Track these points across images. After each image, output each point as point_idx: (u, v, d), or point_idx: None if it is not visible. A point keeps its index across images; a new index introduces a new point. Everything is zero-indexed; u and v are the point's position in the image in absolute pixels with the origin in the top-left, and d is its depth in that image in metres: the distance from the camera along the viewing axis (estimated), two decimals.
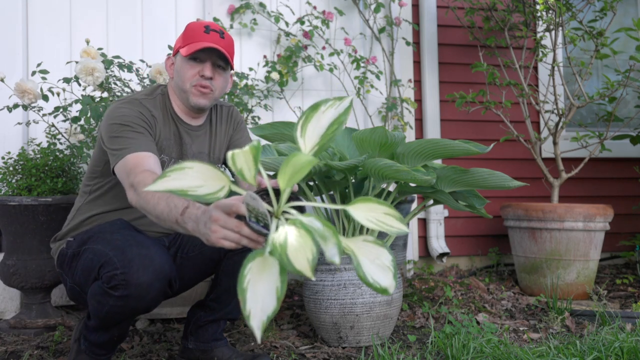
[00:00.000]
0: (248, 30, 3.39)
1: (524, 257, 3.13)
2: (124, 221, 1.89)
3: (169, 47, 2.81)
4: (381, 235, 2.54)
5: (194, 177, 1.07)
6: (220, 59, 1.87)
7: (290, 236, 0.94)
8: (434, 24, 3.72)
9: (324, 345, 2.24)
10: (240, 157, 1.04)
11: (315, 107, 1.11)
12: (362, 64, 3.42)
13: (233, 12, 3.34)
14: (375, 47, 3.57)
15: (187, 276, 1.92)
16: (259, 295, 0.95)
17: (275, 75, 3.24)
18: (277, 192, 1.07)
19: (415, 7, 3.73)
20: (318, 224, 0.95)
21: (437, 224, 3.64)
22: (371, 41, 3.57)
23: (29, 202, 2.35)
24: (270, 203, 1.08)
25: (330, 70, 3.37)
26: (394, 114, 3.48)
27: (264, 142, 2.55)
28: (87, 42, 2.57)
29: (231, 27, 3.34)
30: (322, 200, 2.43)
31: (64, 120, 2.63)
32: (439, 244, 3.60)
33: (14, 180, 2.47)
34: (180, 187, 1.06)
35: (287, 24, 3.40)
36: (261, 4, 3.38)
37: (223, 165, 2.16)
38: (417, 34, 3.71)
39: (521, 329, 2.50)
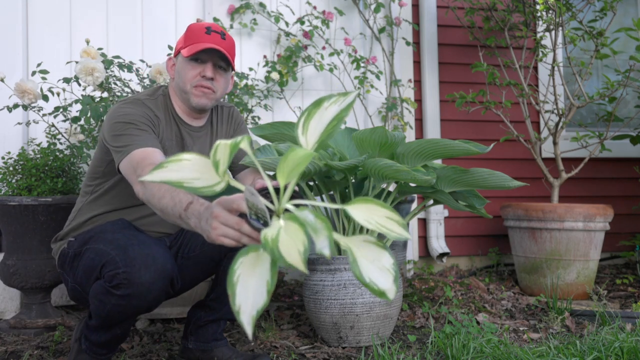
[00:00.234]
0: (248, 30, 3.39)
1: (524, 257, 3.13)
2: (125, 221, 1.89)
3: (169, 47, 2.81)
4: (381, 236, 2.55)
5: (191, 169, 1.07)
6: (222, 60, 1.88)
7: (283, 230, 0.94)
8: (434, 24, 3.72)
9: (324, 345, 2.24)
10: (221, 150, 1.04)
11: (318, 104, 1.09)
12: (362, 64, 3.42)
13: (233, 12, 3.34)
14: (375, 47, 3.57)
15: (188, 276, 1.93)
16: (250, 291, 0.95)
17: (275, 75, 3.24)
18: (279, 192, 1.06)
19: (415, 7, 3.73)
20: (311, 217, 0.94)
21: (437, 224, 3.64)
22: (371, 41, 3.57)
23: (29, 202, 2.35)
24: (272, 203, 1.07)
25: (330, 70, 3.37)
26: (394, 114, 3.48)
27: (263, 142, 2.55)
28: (87, 42, 2.57)
29: (231, 27, 3.34)
30: (322, 200, 2.43)
31: (64, 120, 2.63)
32: (439, 244, 3.60)
33: (14, 180, 2.47)
34: (176, 178, 1.06)
35: (287, 24, 3.40)
36: (261, 4, 3.38)
37: None
38: (417, 34, 3.71)
39: (521, 329, 2.50)
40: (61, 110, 2.54)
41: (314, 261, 2.22)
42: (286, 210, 1.04)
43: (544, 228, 3.02)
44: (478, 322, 2.52)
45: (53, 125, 2.64)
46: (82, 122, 2.53)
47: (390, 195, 2.39)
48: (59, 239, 1.95)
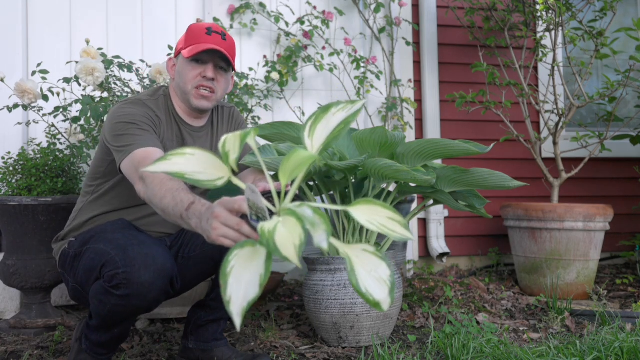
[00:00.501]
0: (248, 30, 3.39)
1: (524, 257, 3.13)
2: (125, 221, 1.89)
3: (169, 47, 2.82)
4: (381, 235, 2.54)
5: (194, 163, 1.07)
6: (222, 61, 1.88)
7: (280, 223, 0.95)
8: (434, 24, 3.72)
9: (324, 345, 2.24)
10: (230, 141, 1.05)
11: (326, 109, 1.11)
12: (362, 64, 3.42)
13: (233, 12, 3.34)
14: (375, 47, 3.57)
15: (189, 276, 1.93)
16: (243, 283, 0.95)
17: (275, 75, 3.24)
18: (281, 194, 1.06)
19: (415, 7, 3.73)
20: (309, 212, 0.94)
21: (437, 224, 3.64)
22: (371, 41, 3.57)
23: (29, 202, 2.35)
24: (275, 205, 1.07)
25: (330, 70, 3.37)
26: (394, 114, 3.48)
27: (263, 142, 2.55)
28: (87, 42, 2.57)
29: (231, 27, 3.34)
30: (322, 200, 2.43)
31: (64, 120, 2.63)
32: (439, 244, 3.60)
33: (14, 180, 2.47)
34: (179, 170, 1.06)
35: (287, 24, 3.40)
36: (261, 4, 3.38)
37: None
38: (417, 34, 3.71)
39: (521, 329, 2.50)
40: (61, 110, 2.54)
41: (314, 261, 2.22)
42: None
43: (544, 228, 3.02)
44: (478, 322, 2.52)
45: (53, 125, 2.64)
46: (82, 122, 2.53)
47: (390, 195, 2.39)
48: (60, 239, 1.96)
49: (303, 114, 3.39)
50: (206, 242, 1.36)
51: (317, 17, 3.40)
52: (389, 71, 3.54)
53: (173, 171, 1.06)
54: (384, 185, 2.34)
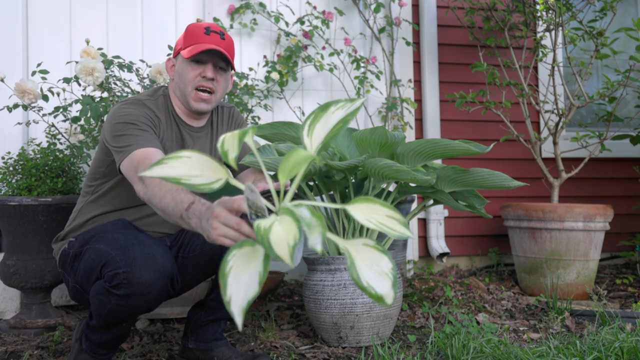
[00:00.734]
0: (248, 30, 3.39)
1: (524, 257, 3.13)
2: (125, 221, 1.89)
3: (169, 47, 2.81)
4: (381, 236, 2.55)
5: (191, 166, 1.07)
6: (222, 60, 1.88)
7: (277, 222, 0.94)
8: (434, 24, 3.72)
9: (324, 345, 2.24)
10: (229, 140, 1.05)
11: (325, 108, 1.10)
12: (362, 64, 3.42)
13: (233, 12, 3.34)
14: (375, 47, 3.57)
15: (189, 276, 1.92)
16: (242, 282, 0.95)
17: (275, 75, 3.24)
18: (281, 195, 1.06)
19: (415, 7, 3.73)
20: (306, 213, 0.94)
21: (437, 224, 3.64)
22: (371, 41, 3.57)
23: (29, 202, 2.35)
24: (274, 205, 1.07)
25: (330, 70, 3.37)
26: (394, 114, 3.48)
27: (263, 142, 2.55)
28: (87, 42, 2.57)
29: (231, 27, 3.34)
30: (322, 200, 2.43)
31: (64, 120, 2.63)
32: (439, 244, 3.60)
33: (14, 180, 2.47)
34: (175, 174, 1.06)
35: (287, 24, 3.40)
36: (261, 4, 3.38)
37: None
38: (417, 34, 3.71)
39: (521, 329, 2.50)
40: (61, 110, 2.54)
41: (314, 261, 2.22)
42: None
43: (544, 228, 3.02)
44: (478, 322, 2.52)
45: (53, 125, 2.64)
46: (82, 122, 2.53)
47: (390, 195, 2.39)
48: (60, 239, 1.95)
49: (303, 114, 3.39)
50: (206, 242, 1.36)
51: (317, 17, 3.40)
52: (389, 71, 3.54)
53: (169, 176, 1.06)
54: (384, 185, 2.34)
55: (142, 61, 2.81)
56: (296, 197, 1.17)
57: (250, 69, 3.26)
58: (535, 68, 3.77)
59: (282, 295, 3.04)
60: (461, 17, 3.65)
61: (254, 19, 3.35)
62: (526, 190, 3.63)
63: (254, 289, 0.95)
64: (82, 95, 2.53)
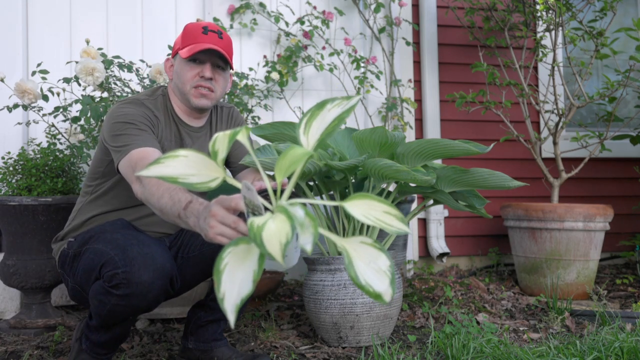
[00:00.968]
0: (248, 30, 3.39)
1: (524, 257, 3.13)
2: (124, 221, 1.89)
3: (169, 47, 2.81)
4: (381, 235, 2.55)
5: (187, 165, 1.07)
6: (220, 60, 1.88)
7: (271, 219, 0.94)
8: (434, 24, 3.72)
9: (324, 345, 2.24)
10: (220, 140, 1.05)
11: (321, 105, 1.10)
12: (362, 64, 3.42)
13: (233, 12, 3.34)
14: (375, 47, 3.57)
15: (188, 277, 1.92)
16: (237, 280, 0.95)
17: (275, 75, 3.24)
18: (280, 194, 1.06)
19: (415, 7, 3.73)
20: (300, 213, 0.94)
21: (437, 224, 3.64)
22: (371, 41, 3.57)
23: (29, 202, 2.35)
24: (271, 204, 1.07)
25: (330, 70, 3.37)
26: (394, 114, 3.48)
27: (263, 142, 2.55)
28: (87, 42, 2.57)
29: (231, 27, 3.34)
30: (322, 200, 2.43)
31: (64, 120, 2.63)
32: (439, 244, 3.60)
33: (14, 180, 2.47)
34: (171, 174, 1.06)
35: (287, 24, 3.40)
36: (261, 4, 3.38)
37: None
38: (417, 34, 3.72)
39: (521, 329, 2.50)
40: (61, 110, 2.54)
41: (314, 261, 2.22)
42: None
43: (544, 228, 3.02)
44: (478, 322, 2.52)
45: (53, 125, 2.64)
46: (82, 122, 2.53)
47: (390, 195, 2.39)
48: (59, 239, 1.95)
49: (303, 114, 3.39)
50: (205, 242, 1.36)
51: (317, 17, 3.40)
52: (389, 71, 3.54)
53: (166, 175, 1.06)
54: (384, 185, 2.34)
55: (142, 61, 2.81)
56: (295, 196, 1.17)
57: (250, 69, 3.26)
58: (535, 68, 3.77)
59: (282, 295, 3.04)
60: (461, 17, 3.65)
61: (254, 19, 3.35)
62: (526, 190, 3.63)
63: (248, 287, 0.95)
64: (82, 95, 2.54)
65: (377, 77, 3.48)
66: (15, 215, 2.37)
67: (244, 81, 3.11)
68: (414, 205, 3.29)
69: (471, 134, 3.70)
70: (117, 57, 2.62)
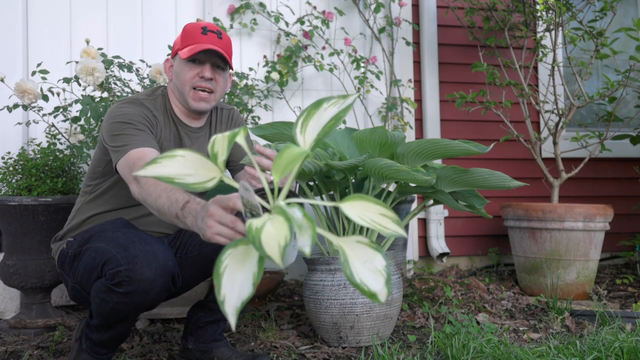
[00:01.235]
0: (248, 30, 3.39)
1: (524, 257, 3.13)
2: (124, 220, 1.89)
3: (169, 47, 2.81)
4: (382, 235, 2.54)
5: (184, 165, 1.07)
6: (220, 60, 1.88)
7: (269, 221, 0.94)
8: (434, 24, 3.72)
9: (324, 345, 2.24)
10: (219, 141, 1.05)
11: (317, 105, 1.09)
12: (362, 64, 3.42)
13: (233, 12, 3.34)
14: (375, 47, 3.57)
15: (187, 277, 1.92)
16: (237, 283, 0.95)
17: (275, 75, 3.24)
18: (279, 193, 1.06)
19: (415, 7, 3.73)
20: (298, 214, 0.94)
21: (437, 224, 3.64)
22: (371, 41, 3.57)
23: (29, 202, 2.35)
24: (269, 203, 1.07)
25: (330, 70, 3.37)
26: (394, 114, 3.48)
27: (263, 142, 2.55)
28: (87, 42, 2.57)
29: (231, 27, 3.34)
30: (322, 200, 2.43)
31: (64, 120, 2.63)
32: (439, 244, 3.60)
33: (14, 180, 2.47)
34: (168, 174, 1.06)
35: (287, 24, 3.40)
36: (261, 4, 3.38)
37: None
38: (417, 34, 3.71)
39: (521, 329, 2.50)
40: (61, 110, 2.54)
41: (314, 261, 2.22)
42: None
43: (544, 228, 3.02)
44: (478, 322, 2.52)
45: (53, 125, 2.64)
46: (82, 122, 2.53)
47: (390, 195, 2.39)
48: (58, 239, 1.95)
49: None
50: (204, 242, 1.35)
51: (317, 17, 3.40)
52: (389, 71, 3.54)
53: (163, 175, 1.05)
54: (384, 185, 2.34)
55: (142, 61, 2.81)
56: (293, 195, 1.17)
57: (250, 69, 3.26)
58: (535, 68, 3.77)
59: (282, 295, 3.04)
60: (461, 17, 3.65)
61: (254, 19, 3.35)
62: (526, 190, 3.63)
63: (248, 290, 0.95)
64: (82, 95, 2.54)
65: (377, 77, 3.48)
66: (15, 215, 2.37)
67: (244, 81, 3.11)
68: (414, 205, 3.29)
69: (471, 134, 3.70)
70: (117, 57, 2.62)
